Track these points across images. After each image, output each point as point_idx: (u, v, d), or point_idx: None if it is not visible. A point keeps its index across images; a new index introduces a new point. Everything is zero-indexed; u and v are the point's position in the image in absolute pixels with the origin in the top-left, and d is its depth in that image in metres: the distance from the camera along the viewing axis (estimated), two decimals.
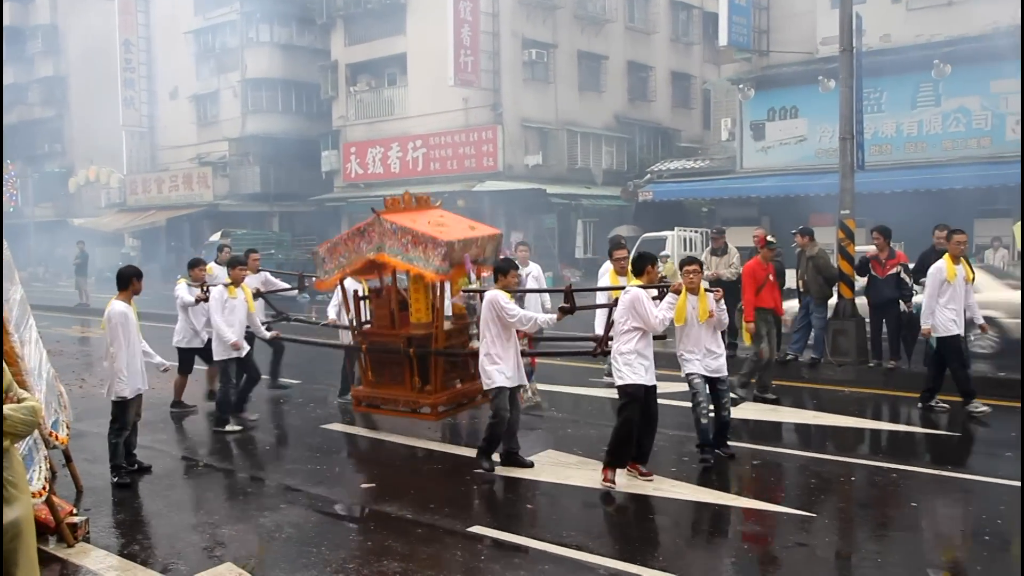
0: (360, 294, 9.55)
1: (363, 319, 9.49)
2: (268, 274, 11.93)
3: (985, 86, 19.09)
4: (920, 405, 9.92)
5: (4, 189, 34.24)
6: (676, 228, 22.26)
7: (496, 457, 7.90)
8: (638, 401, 7.18)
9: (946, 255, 9.79)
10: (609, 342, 7.72)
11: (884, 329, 11.72)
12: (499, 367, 7.70)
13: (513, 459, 7.90)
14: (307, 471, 8.15)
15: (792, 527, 6.35)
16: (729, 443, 8.08)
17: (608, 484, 7.14)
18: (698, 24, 36.12)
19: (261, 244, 30.75)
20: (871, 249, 11.59)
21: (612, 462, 7.25)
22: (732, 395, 9.92)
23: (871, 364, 11.78)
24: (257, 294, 11.01)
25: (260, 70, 36.79)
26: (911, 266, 11.51)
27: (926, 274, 11.07)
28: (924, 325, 9.75)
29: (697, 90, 36.14)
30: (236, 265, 10.03)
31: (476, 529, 6.28)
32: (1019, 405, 9.61)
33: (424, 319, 9.00)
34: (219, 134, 38.19)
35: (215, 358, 9.85)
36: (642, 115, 33.82)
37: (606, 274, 10.71)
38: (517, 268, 8.04)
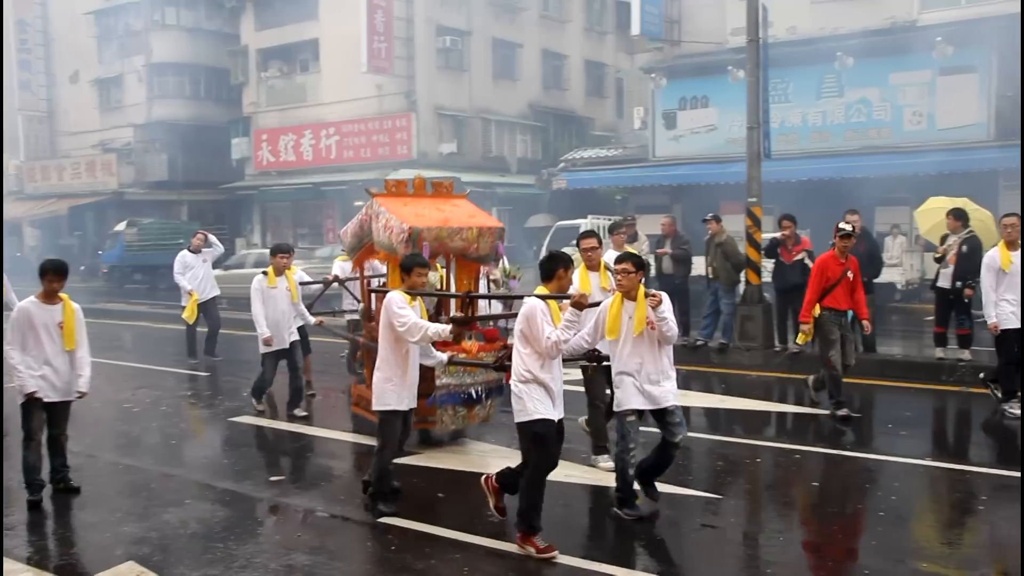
0: (372, 287, 8.96)
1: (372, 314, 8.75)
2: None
3: (885, 78, 19.74)
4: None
5: None
6: (590, 216, 22.39)
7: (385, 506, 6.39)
8: (548, 444, 5.65)
9: (1001, 242, 8.90)
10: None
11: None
12: (393, 384, 6.28)
13: (394, 496, 6.45)
14: (214, 465, 7.99)
15: (700, 509, 6.48)
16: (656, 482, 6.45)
17: (545, 554, 5.49)
18: (611, 13, 36.40)
19: (169, 234, 29.99)
20: (785, 233, 11.69)
21: (530, 528, 5.62)
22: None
23: (777, 348, 12.09)
24: (333, 281, 10.81)
25: (166, 54, 35.67)
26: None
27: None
28: (989, 320, 8.79)
29: (610, 79, 36.50)
30: (276, 253, 9.58)
31: (386, 519, 6.22)
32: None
33: None
34: (124, 120, 36.94)
35: (260, 350, 9.52)
36: (556, 104, 33.98)
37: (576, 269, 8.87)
38: (425, 265, 6.60)
